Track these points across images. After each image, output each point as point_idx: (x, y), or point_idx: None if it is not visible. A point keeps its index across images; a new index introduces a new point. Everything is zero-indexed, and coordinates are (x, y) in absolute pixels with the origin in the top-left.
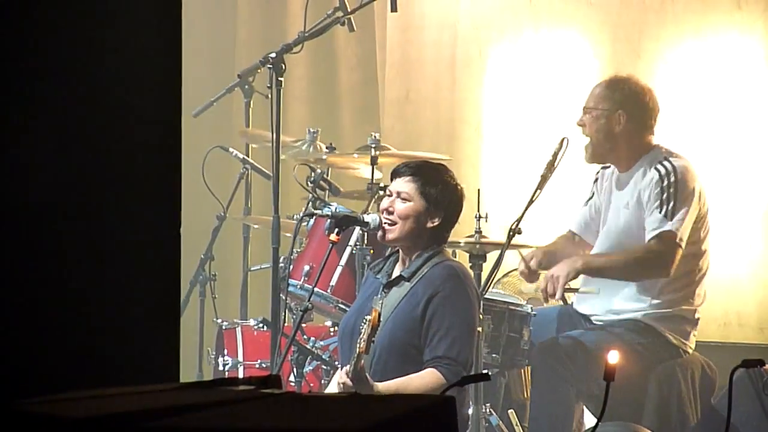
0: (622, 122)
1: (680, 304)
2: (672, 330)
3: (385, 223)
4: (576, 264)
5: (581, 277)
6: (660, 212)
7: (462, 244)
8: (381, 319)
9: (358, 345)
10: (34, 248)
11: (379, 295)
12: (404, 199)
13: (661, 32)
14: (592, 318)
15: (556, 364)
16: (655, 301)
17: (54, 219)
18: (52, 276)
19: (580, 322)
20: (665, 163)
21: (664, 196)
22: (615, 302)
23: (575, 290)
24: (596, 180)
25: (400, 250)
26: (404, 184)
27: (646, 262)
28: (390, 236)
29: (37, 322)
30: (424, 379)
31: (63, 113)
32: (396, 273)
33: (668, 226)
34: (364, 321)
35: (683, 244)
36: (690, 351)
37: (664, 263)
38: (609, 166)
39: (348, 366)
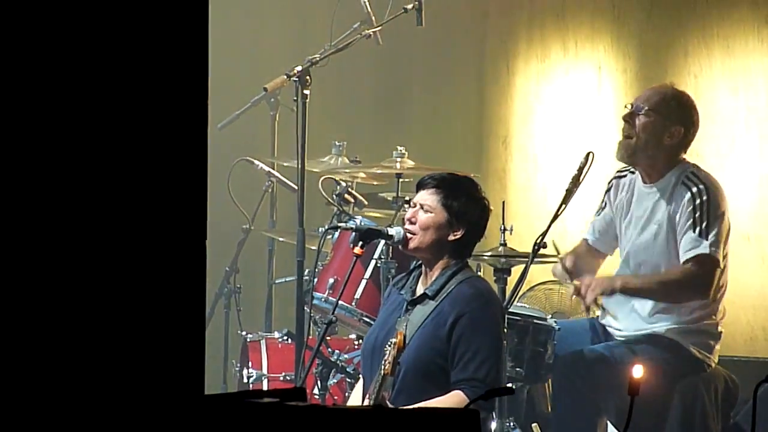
0: (675, 137)
1: (704, 319)
2: (696, 344)
3: (407, 232)
4: (615, 283)
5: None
6: (694, 232)
7: (486, 257)
8: (406, 341)
9: (382, 367)
10: (59, 259)
11: (402, 313)
12: (426, 211)
13: (689, 47)
14: (616, 332)
15: (579, 378)
16: (679, 316)
17: (79, 232)
18: (76, 288)
19: (604, 336)
20: (696, 181)
21: (697, 215)
22: (639, 317)
23: (598, 306)
24: (609, 189)
25: (423, 264)
26: (427, 196)
27: (685, 285)
28: (411, 245)
29: (62, 333)
30: (449, 401)
31: (88, 123)
32: (420, 289)
33: (705, 247)
34: (390, 344)
35: (721, 265)
36: (713, 365)
37: (704, 286)
38: (625, 175)
39: (372, 388)
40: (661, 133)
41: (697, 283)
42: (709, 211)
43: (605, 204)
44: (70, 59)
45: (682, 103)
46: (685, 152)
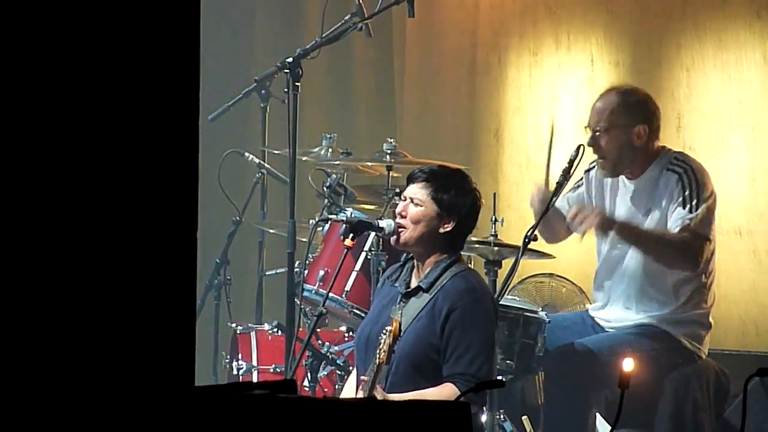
0: (643, 136)
1: (693, 308)
2: (686, 334)
3: (397, 226)
4: (613, 222)
5: (594, 285)
6: (684, 208)
7: (477, 246)
8: (402, 329)
9: (377, 355)
10: (47, 251)
11: (397, 305)
12: (416, 204)
13: (682, 40)
14: (607, 323)
15: (571, 370)
16: (669, 306)
17: (67, 222)
18: (65, 279)
19: (594, 328)
20: (681, 163)
21: (686, 192)
22: (629, 308)
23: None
24: (589, 170)
25: (414, 257)
26: (417, 189)
27: (678, 250)
28: (402, 239)
29: (50, 324)
30: (442, 393)
31: (78, 115)
32: (413, 282)
33: (695, 219)
34: (385, 331)
35: (710, 241)
36: (703, 356)
37: (694, 255)
38: (593, 167)
39: (366, 377)
40: (627, 140)
41: (687, 252)
42: (698, 190)
43: (582, 183)
44: (60, 51)
45: (630, 103)
46: (659, 139)
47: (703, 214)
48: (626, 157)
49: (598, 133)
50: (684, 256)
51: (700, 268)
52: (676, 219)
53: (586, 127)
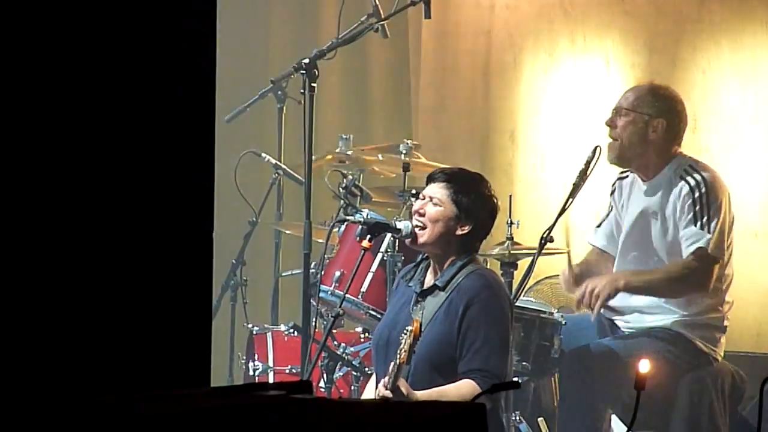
0: (659, 130)
1: (709, 311)
2: (702, 337)
3: (415, 225)
4: (617, 283)
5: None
6: (695, 225)
7: (494, 252)
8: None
9: (398, 356)
10: (65, 251)
11: (414, 306)
12: (435, 204)
13: (698, 42)
14: (623, 326)
15: (586, 372)
16: (685, 309)
17: (86, 222)
18: (83, 280)
19: (610, 330)
20: (694, 174)
21: (697, 208)
22: (645, 310)
23: (610, 309)
24: (613, 192)
25: (431, 258)
26: (437, 190)
27: (686, 280)
28: (420, 240)
29: (70, 325)
30: (461, 390)
31: (96, 116)
32: (429, 282)
33: (705, 241)
34: (405, 332)
35: (724, 257)
36: (719, 359)
37: (704, 280)
38: (626, 176)
39: (387, 377)
40: (643, 129)
41: (696, 279)
42: (708, 204)
43: (611, 207)
44: (79, 54)
45: (659, 95)
46: (679, 145)
47: (717, 236)
48: (636, 145)
49: (618, 113)
50: (690, 284)
51: (709, 288)
52: (689, 238)
53: (606, 123)
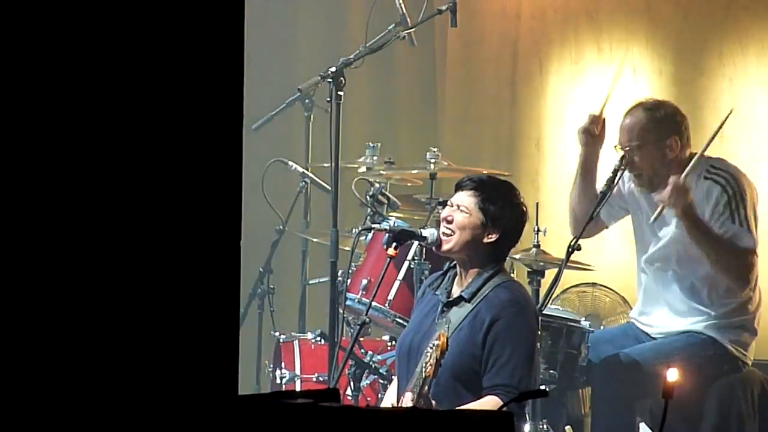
0: (676, 148)
1: (739, 313)
2: (732, 341)
3: (443, 232)
4: (685, 205)
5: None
6: (734, 222)
7: (519, 258)
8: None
9: (424, 369)
10: (94, 260)
11: (439, 315)
12: (463, 212)
13: (724, 48)
14: (653, 332)
15: (617, 382)
16: (715, 312)
17: (115, 231)
18: (113, 289)
19: (641, 337)
20: (721, 173)
21: (733, 205)
22: (675, 314)
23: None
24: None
25: (458, 265)
26: (465, 198)
27: (732, 265)
28: (446, 246)
29: (99, 334)
30: (486, 407)
31: (125, 125)
32: (455, 291)
33: (747, 239)
34: (432, 345)
35: (757, 252)
36: (749, 364)
37: (745, 275)
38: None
39: (412, 391)
40: (659, 155)
41: (739, 272)
42: (744, 200)
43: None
44: (108, 62)
45: (659, 118)
46: (690, 146)
47: (751, 226)
48: (661, 171)
49: (630, 150)
50: (734, 272)
51: (751, 284)
52: (731, 236)
53: (615, 146)
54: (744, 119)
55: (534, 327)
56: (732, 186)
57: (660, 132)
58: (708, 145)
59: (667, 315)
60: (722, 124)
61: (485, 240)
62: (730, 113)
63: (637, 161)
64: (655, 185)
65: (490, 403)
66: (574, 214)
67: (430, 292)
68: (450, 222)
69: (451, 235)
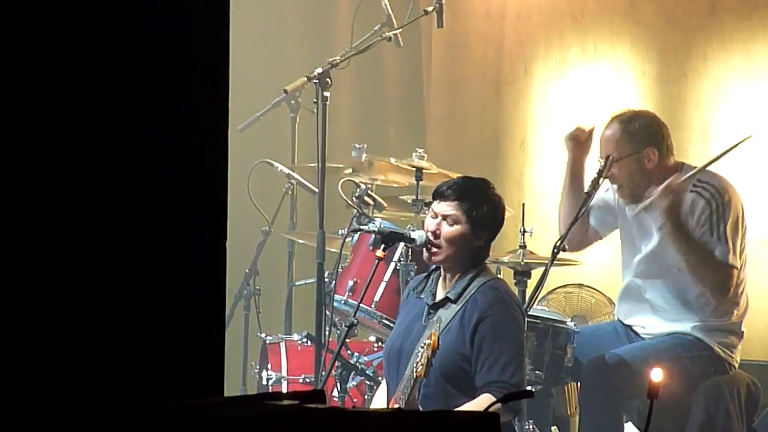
0: (654, 158)
1: (726, 315)
2: (720, 343)
3: (430, 245)
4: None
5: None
6: (712, 235)
7: (506, 261)
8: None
9: (415, 369)
10: (78, 260)
11: (426, 317)
12: (451, 223)
13: (708, 50)
14: (640, 332)
15: (605, 381)
16: (702, 314)
17: (100, 231)
18: (98, 290)
19: (627, 337)
20: (706, 185)
21: (714, 219)
22: (662, 316)
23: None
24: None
25: (442, 269)
26: (451, 209)
27: (708, 276)
28: (436, 259)
29: (84, 335)
30: (481, 405)
31: (110, 125)
32: (440, 293)
33: (723, 253)
34: (423, 345)
35: (738, 266)
36: (736, 366)
37: (723, 290)
38: None
39: (400, 390)
40: (638, 166)
41: (713, 284)
42: (725, 213)
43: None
44: (93, 63)
45: (633, 130)
46: (673, 154)
47: (732, 240)
48: (641, 181)
49: (608, 163)
50: (713, 288)
51: (730, 294)
52: (709, 249)
53: (599, 158)
54: (728, 120)
55: (521, 323)
56: (716, 200)
57: (635, 144)
58: (715, 160)
59: (655, 316)
60: (735, 146)
61: (473, 245)
62: (746, 138)
63: (615, 173)
64: (638, 195)
65: (483, 401)
66: (563, 217)
67: (414, 296)
68: (438, 236)
69: (439, 248)
